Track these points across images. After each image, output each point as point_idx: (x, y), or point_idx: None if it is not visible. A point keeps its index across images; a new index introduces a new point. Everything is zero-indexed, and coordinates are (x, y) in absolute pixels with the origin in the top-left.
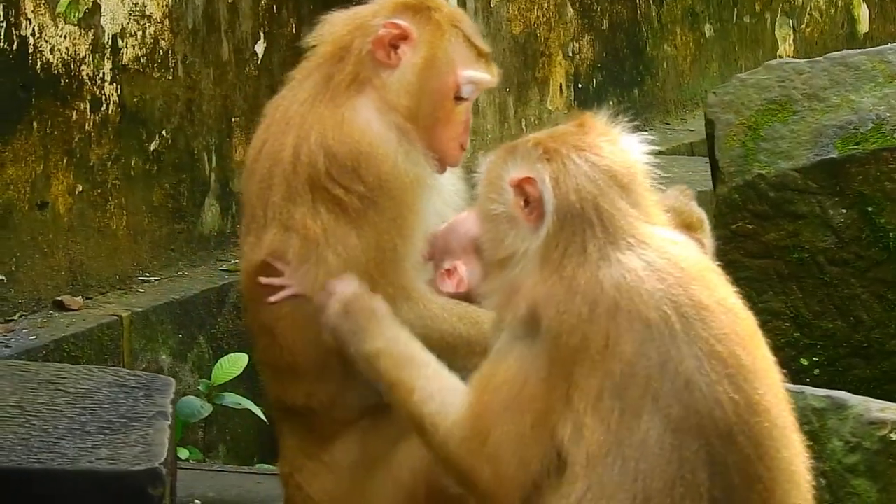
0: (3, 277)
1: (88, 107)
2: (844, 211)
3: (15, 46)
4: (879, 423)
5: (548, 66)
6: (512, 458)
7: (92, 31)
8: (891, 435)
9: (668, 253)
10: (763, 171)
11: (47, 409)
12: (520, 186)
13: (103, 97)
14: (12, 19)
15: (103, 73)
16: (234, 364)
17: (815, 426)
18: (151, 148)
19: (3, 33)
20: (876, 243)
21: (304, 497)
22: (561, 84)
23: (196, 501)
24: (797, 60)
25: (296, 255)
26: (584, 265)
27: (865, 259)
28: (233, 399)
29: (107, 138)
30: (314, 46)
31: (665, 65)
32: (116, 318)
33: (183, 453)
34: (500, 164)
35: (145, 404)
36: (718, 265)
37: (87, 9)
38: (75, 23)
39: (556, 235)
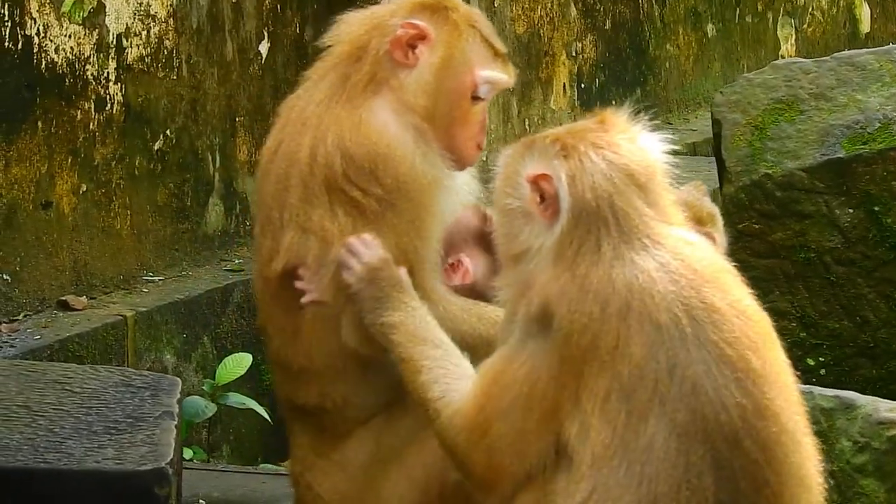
0: (8, 277)
1: (93, 106)
2: (851, 211)
3: (20, 46)
4: (888, 423)
5: (551, 66)
6: (510, 451)
7: (96, 30)
8: None
9: (682, 254)
10: (770, 171)
11: (54, 408)
12: (536, 183)
13: (108, 97)
14: (17, 18)
15: (108, 73)
16: (238, 364)
17: (823, 426)
18: (155, 148)
19: (7, 32)
20: (882, 243)
21: (314, 496)
22: (564, 84)
23: (201, 501)
24: (804, 60)
25: (315, 259)
26: (598, 264)
27: (872, 259)
28: (237, 399)
29: (111, 138)
30: (329, 46)
31: (667, 64)
32: (121, 317)
33: (187, 453)
34: (517, 158)
35: (151, 404)
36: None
37: (92, 8)
38: (80, 22)
39: (571, 233)
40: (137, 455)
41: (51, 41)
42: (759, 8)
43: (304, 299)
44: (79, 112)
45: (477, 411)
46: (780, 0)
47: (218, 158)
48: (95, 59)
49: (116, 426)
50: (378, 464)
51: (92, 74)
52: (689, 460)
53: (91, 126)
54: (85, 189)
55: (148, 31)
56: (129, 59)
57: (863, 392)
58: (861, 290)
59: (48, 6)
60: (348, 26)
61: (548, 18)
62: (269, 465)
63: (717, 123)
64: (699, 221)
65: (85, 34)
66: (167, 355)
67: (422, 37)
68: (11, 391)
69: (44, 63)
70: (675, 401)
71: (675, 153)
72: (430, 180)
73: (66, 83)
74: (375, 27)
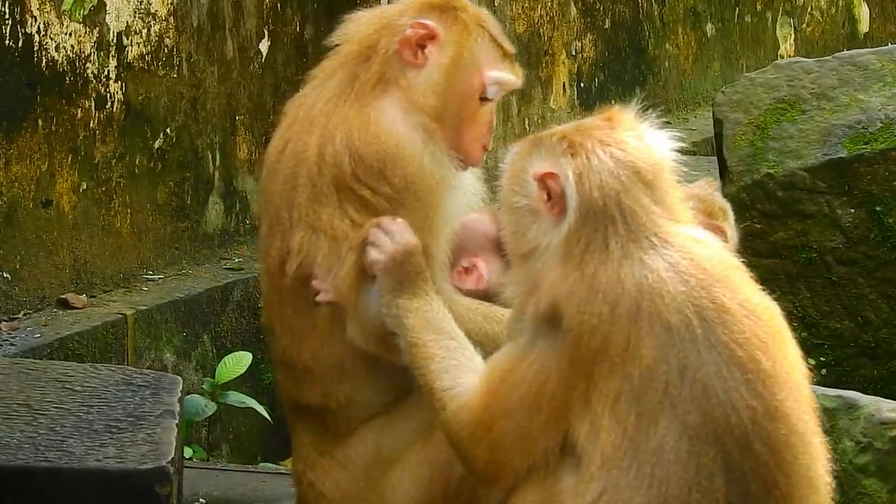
0: (8, 275)
1: (93, 105)
2: (853, 210)
3: (20, 44)
4: (891, 423)
5: (551, 65)
6: (514, 447)
7: (97, 28)
8: None
9: (691, 253)
10: (771, 171)
11: (54, 407)
12: (542, 181)
13: (108, 95)
14: (18, 17)
15: (108, 71)
16: (237, 363)
17: (826, 426)
18: (156, 146)
19: (8, 31)
20: (884, 243)
21: (316, 495)
22: (564, 83)
23: (201, 500)
24: (806, 60)
25: (325, 258)
26: (606, 263)
27: (873, 259)
28: (237, 398)
29: (111, 136)
30: (337, 45)
31: (667, 64)
32: (121, 316)
33: (187, 452)
34: (524, 156)
35: (152, 403)
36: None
37: (93, 6)
38: (80, 20)
39: (578, 231)
40: (138, 454)
41: (51, 39)
42: (759, 8)
43: (319, 298)
44: (79, 110)
45: (482, 408)
46: (779, 0)
47: (218, 157)
48: (96, 57)
49: (117, 425)
50: (381, 462)
51: (92, 72)
52: (699, 462)
53: (91, 124)
54: (85, 187)
55: (148, 30)
56: (130, 57)
57: (864, 392)
58: (862, 290)
59: (49, 4)
60: (357, 25)
61: (547, 17)
62: (269, 464)
63: (718, 123)
64: (710, 216)
65: (85, 32)
66: (167, 354)
67: (431, 37)
68: (12, 389)
69: (44, 61)
70: (685, 403)
71: (682, 151)
72: (438, 180)
73: (67, 81)
74: (385, 26)
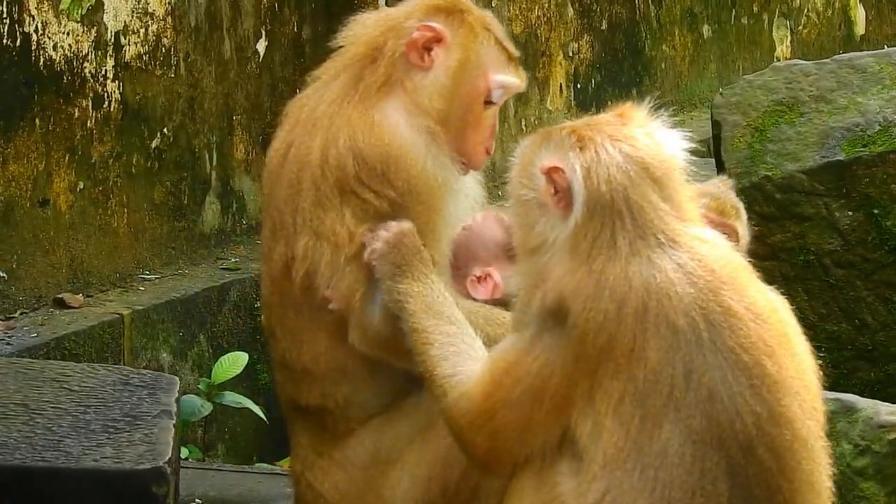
0: (4, 274)
1: (90, 104)
2: (851, 213)
3: (18, 43)
4: (889, 426)
5: (548, 66)
6: (514, 437)
7: (95, 28)
8: None
9: (699, 254)
10: (769, 173)
11: (52, 407)
12: (550, 174)
13: (105, 94)
14: (16, 16)
15: (106, 71)
16: (234, 363)
17: (824, 429)
18: (153, 146)
19: (6, 30)
20: (882, 246)
21: (315, 495)
22: (561, 84)
23: (197, 500)
24: (804, 62)
25: (328, 265)
26: (614, 259)
27: (871, 262)
28: (233, 398)
29: (108, 136)
30: (341, 47)
31: (663, 65)
32: (117, 316)
33: (182, 452)
34: (533, 149)
35: (150, 403)
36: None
37: (90, 6)
38: (78, 20)
39: (586, 225)
40: (136, 454)
41: (49, 38)
42: (755, 10)
43: (331, 307)
44: (76, 110)
45: (484, 397)
46: (775, 1)
47: (215, 157)
48: (93, 56)
49: (115, 425)
50: (379, 463)
51: (90, 72)
52: (703, 467)
53: (88, 124)
54: (82, 187)
55: (146, 29)
56: (127, 56)
57: (861, 395)
58: (860, 292)
59: (46, 3)
60: (363, 27)
61: (545, 19)
62: (265, 465)
63: (716, 125)
64: (723, 214)
65: (83, 32)
66: (163, 354)
67: (438, 39)
68: (9, 389)
69: (42, 60)
70: (690, 407)
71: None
72: (440, 183)
73: (64, 80)
74: (391, 29)
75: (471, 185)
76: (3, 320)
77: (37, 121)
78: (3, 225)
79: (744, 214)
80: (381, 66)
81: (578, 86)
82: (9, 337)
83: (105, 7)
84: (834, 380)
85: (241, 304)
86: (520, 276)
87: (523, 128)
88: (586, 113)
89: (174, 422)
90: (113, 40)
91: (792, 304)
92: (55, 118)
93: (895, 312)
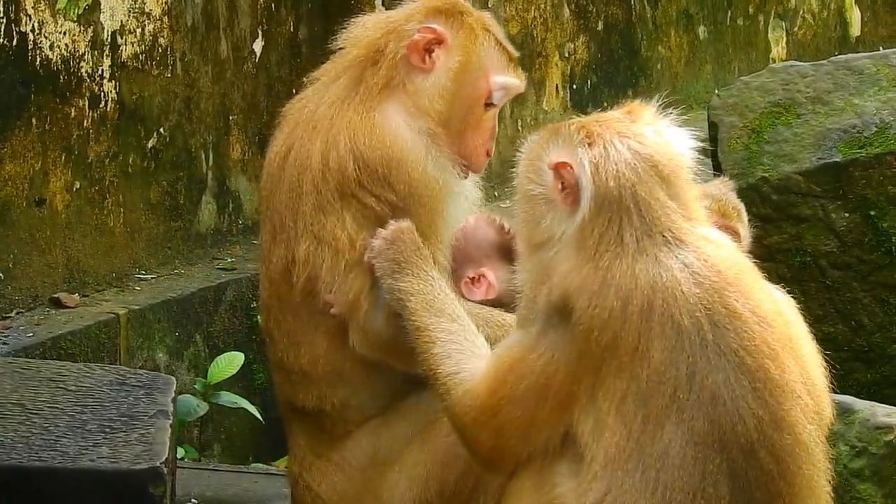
0: (1, 274)
1: (87, 104)
2: (847, 215)
3: (15, 42)
4: (885, 427)
5: (544, 67)
6: (517, 434)
7: (91, 27)
8: None
9: (705, 254)
10: (766, 174)
11: (48, 406)
12: (557, 170)
13: (102, 94)
14: (12, 15)
15: (102, 70)
16: (230, 363)
17: None
18: (149, 145)
19: (2, 29)
20: (878, 247)
21: (313, 497)
22: (557, 85)
23: (193, 500)
24: (801, 64)
25: (328, 270)
26: (621, 257)
27: (867, 263)
28: (229, 398)
29: (105, 135)
30: (341, 48)
31: (659, 66)
32: (113, 315)
33: (179, 452)
34: (541, 145)
35: (146, 403)
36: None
37: (87, 5)
38: (75, 19)
39: (593, 221)
40: (132, 454)
41: (45, 38)
42: (751, 11)
43: (333, 311)
44: (73, 109)
45: (489, 394)
46: (771, 3)
47: (211, 157)
48: (90, 56)
49: (111, 425)
50: (377, 464)
51: (86, 71)
52: (705, 469)
53: (85, 123)
54: (78, 186)
55: (142, 29)
56: (124, 56)
57: (857, 396)
58: (856, 294)
59: (43, 3)
60: (363, 30)
61: (541, 19)
62: (261, 465)
63: (713, 126)
64: (724, 216)
65: (80, 31)
66: (159, 353)
67: (439, 41)
68: (6, 388)
69: (38, 60)
70: (692, 409)
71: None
72: (441, 185)
73: (61, 80)
74: (391, 31)
75: (469, 186)
76: None
77: (33, 120)
78: (0, 224)
79: (745, 216)
80: (381, 68)
81: (574, 86)
82: (5, 336)
83: (101, 7)
84: (830, 381)
85: (238, 304)
86: (524, 272)
87: (519, 128)
88: (582, 114)
89: (171, 422)
90: (109, 40)
91: None
92: (52, 118)
93: (891, 314)
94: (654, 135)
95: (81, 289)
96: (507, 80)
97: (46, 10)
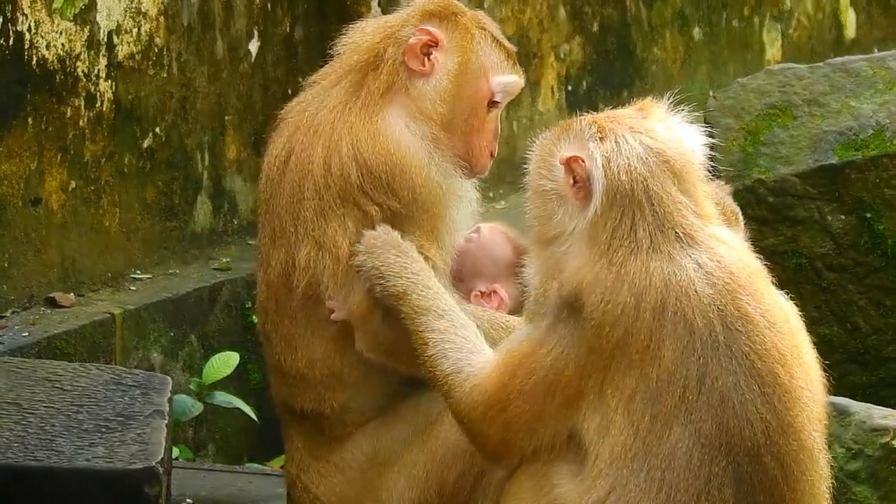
0: None
1: (83, 103)
2: (843, 217)
3: (11, 42)
4: (882, 429)
5: (540, 68)
6: (525, 429)
7: (87, 27)
8: (893, 442)
9: (718, 254)
10: (762, 176)
11: (44, 406)
12: (569, 164)
13: (98, 94)
14: (9, 15)
15: (98, 70)
16: (225, 363)
17: None
18: (145, 145)
19: None
20: (874, 250)
21: (311, 498)
22: (552, 86)
23: (188, 500)
24: (798, 66)
25: (331, 277)
26: (635, 252)
27: (863, 265)
28: (224, 398)
29: (101, 135)
30: (340, 53)
31: (654, 67)
32: (108, 315)
33: (173, 452)
34: (553, 140)
35: (142, 402)
36: None
37: (84, 5)
38: (71, 19)
39: (605, 215)
40: (128, 454)
41: (42, 37)
42: (746, 12)
43: (333, 317)
44: (69, 109)
45: (498, 388)
46: (766, 5)
47: (207, 157)
48: (86, 55)
49: (107, 424)
50: (377, 465)
51: (82, 71)
52: (711, 471)
53: (81, 123)
54: (74, 186)
55: (139, 29)
56: (120, 56)
57: (853, 398)
58: (852, 296)
59: (40, 2)
60: (362, 34)
61: (537, 20)
62: (256, 465)
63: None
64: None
65: (76, 31)
66: (154, 353)
67: (434, 42)
68: (1, 388)
69: (35, 59)
70: (701, 411)
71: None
72: (445, 191)
73: (57, 80)
74: (389, 36)
75: (468, 188)
76: None
77: (29, 120)
78: None
79: (741, 220)
80: (382, 73)
81: (569, 87)
82: (0, 336)
83: (98, 6)
84: (826, 383)
85: (233, 304)
86: (534, 267)
87: (514, 130)
88: (577, 115)
89: (166, 422)
90: (106, 40)
91: None
92: (48, 117)
93: (887, 316)
94: (665, 131)
95: (77, 288)
96: (508, 78)
97: (43, 10)
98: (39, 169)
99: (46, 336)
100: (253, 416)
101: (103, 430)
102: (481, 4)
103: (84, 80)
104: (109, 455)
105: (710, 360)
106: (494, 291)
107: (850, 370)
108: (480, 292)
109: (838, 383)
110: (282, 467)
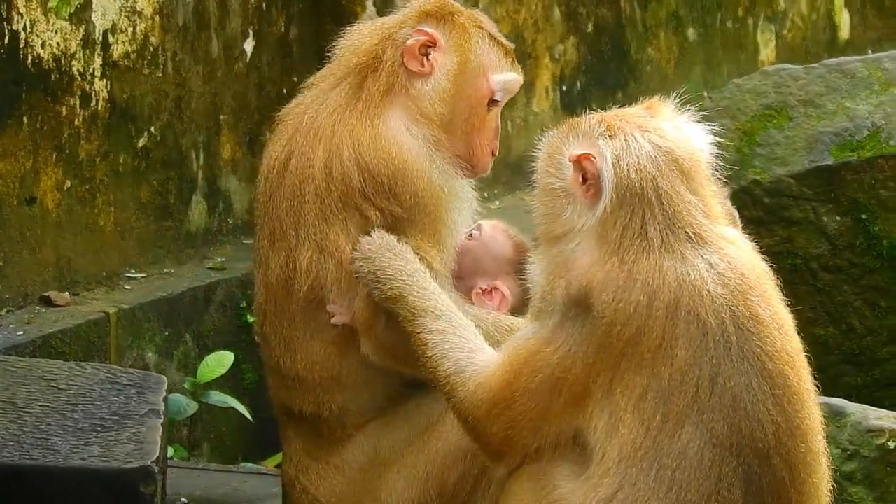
0: None
1: (78, 102)
2: (839, 218)
3: (6, 41)
4: (877, 430)
5: (534, 69)
6: (529, 427)
7: (83, 26)
8: (888, 443)
9: (728, 255)
10: (758, 177)
11: (39, 405)
12: (579, 162)
13: (93, 93)
14: (4, 14)
15: (93, 69)
16: (219, 362)
17: None
18: (140, 144)
19: None
20: (869, 251)
21: (310, 499)
22: (547, 87)
23: (182, 500)
24: (793, 66)
25: (334, 281)
26: (648, 252)
27: (859, 266)
28: (218, 397)
29: (96, 134)
30: (338, 55)
31: (649, 68)
32: (103, 314)
33: (168, 451)
34: (561, 138)
35: (137, 402)
36: None
37: (79, 4)
38: (66, 18)
39: (615, 213)
40: (123, 453)
41: (37, 37)
42: (740, 13)
43: (334, 321)
44: (64, 108)
45: (503, 386)
46: (760, 5)
47: (202, 156)
48: (81, 55)
49: (102, 423)
50: (377, 465)
51: (78, 70)
52: (721, 472)
53: (76, 122)
54: (69, 185)
55: (134, 28)
56: (115, 55)
57: (847, 399)
58: (847, 297)
59: (35, 1)
60: (360, 37)
61: (531, 21)
62: (250, 464)
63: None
64: None
65: (71, 30)
66: (149, 353)
67: (432, 43)
68: None
69: (30, 58)
70: (714, 411)
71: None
72: (446, 193)
73: (52, 79)
74: (387, 38)
75: (467, 188)
76: None
77: (24, 119)
78: None
79: (738, 223)
80: (382, 75)
81: (564, 88)
82: None
83: (93, 6)
84: (820, 384)
85: (228, 303)
86: (541, 265)
87: (509, 130)
88: (572, 116)
89: (162, 421)
90: (101, 39)
91: None
92: (43, 116)
93: (882, 317)
94: (673, 130)
95: (72, 287)
96: (507, 76)
97: (38, 9)
98: (34, 168)
99: (41, 335)
100: (248, 415)
101: (99, 429)
102: (476, 4)
103: (79, 79)
104: (105, 454)
105: (723, 360)
106: (496, 288)
107: (845, 371)
108: (482, 289)
109: (833, 384)
110: (277, 466)
